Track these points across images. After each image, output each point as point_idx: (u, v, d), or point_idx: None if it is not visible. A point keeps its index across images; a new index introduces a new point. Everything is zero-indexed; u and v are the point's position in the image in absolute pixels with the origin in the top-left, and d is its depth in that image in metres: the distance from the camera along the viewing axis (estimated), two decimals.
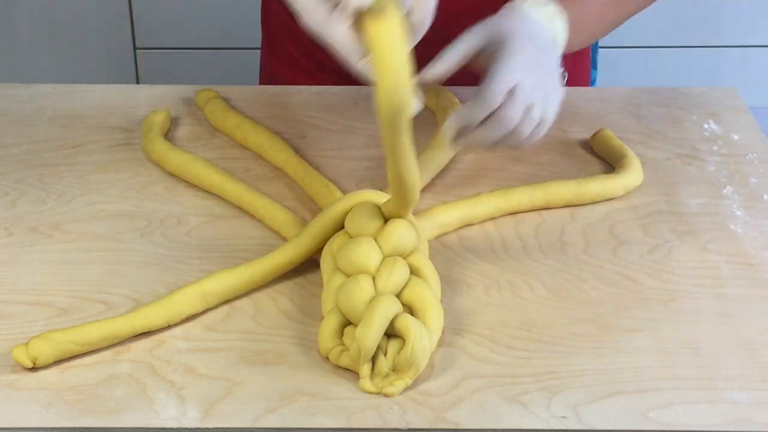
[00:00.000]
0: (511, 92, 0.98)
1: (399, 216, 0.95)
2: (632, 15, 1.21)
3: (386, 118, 0.84)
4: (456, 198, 1.08)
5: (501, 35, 1.02)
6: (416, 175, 0.90)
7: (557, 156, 1.18)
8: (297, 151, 1.16)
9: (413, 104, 0.85)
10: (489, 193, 1.07)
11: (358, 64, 0.89)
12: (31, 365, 0.87)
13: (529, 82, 0.99)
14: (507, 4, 1.09)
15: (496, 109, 0.98)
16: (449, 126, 0.99)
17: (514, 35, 1.01)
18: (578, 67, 1.45)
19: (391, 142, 0.86)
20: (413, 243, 0.94)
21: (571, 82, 1.40)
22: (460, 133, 1.00)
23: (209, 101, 1.25)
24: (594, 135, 1.19)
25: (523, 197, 1.07)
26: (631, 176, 1.11)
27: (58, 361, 0.88)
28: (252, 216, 1.07)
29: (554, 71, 1.05)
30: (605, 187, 1.09)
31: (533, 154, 1.18)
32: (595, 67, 1.53)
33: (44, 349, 0.87)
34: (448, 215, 1.04)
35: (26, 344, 0.87)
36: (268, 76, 1.48)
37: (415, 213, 1.02)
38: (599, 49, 1.57)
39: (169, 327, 0.92)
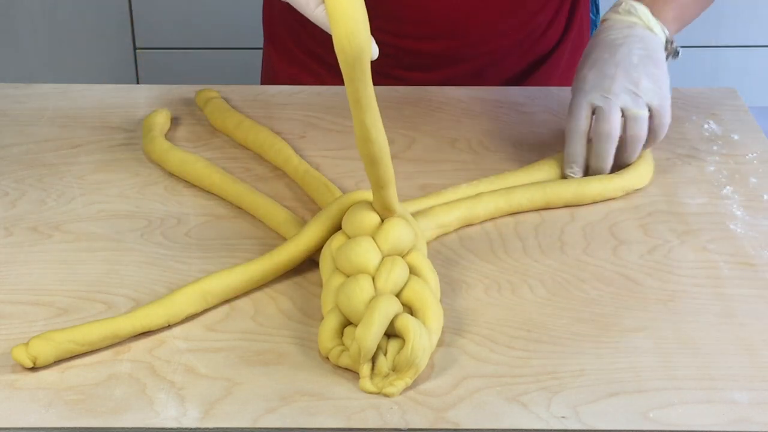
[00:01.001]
0: (622, 112, 1.07)
1: (385, 203, 0.94)
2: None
3: (346, 65, 0.84)
4: (442, 193, 1.08)
5: (606, 76, 1.08)
6: (382, 134, 0.89)
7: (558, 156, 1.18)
8: (297, 151, 1.16)
9: (371, 49, 0.85)
10: (489, 193, 1.07)
11: (315, 11, 0.89)
12: (31, 365, 0.87)
13: (609, 93, 1.07)
14: (600, 25, 1.14)
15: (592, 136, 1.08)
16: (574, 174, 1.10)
17: (582, 70, 1.09)
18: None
19: (353, 92, 0.86)
20: (411, 241, 0.94)
21: (569, 82, 1.41)
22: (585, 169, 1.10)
23: (209, 101, 1.25)
24: None
25: (524, 197, 1.07)
26: (632, 178, 1.10)
27: (58, 361, 0.88)
28: (252, 216, 1.07)
29: (643, 66, 1.08)
30: (605, 187, 1.09)
31: (533, 154, 1.18)
32: None
33: (44, 349, 0.87)
34: (448, 215, 1.04)
35: (26, 344, 0.87)
36: (270, 74, 1.48)
37: (415, 214, 1.03)
38: None
39: (169, 327, 0.92)
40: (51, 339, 0.87)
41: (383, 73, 1.35)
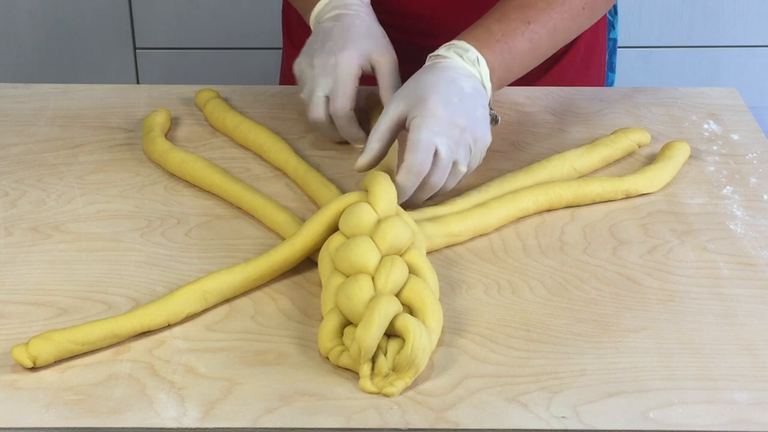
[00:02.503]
0: (435, 156, 1.02)
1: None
2: (565, 43, 1.21)
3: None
4: (453, 202, 1.07)
5: (419, 98, 1.05)
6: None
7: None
8: (297, 151, 1.16)
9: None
10: (497, 200, 1.06)
11: None
12: (31, 365, 0.87)
13: (450, 142, 1.03)
14: (428, 59, 1.12)
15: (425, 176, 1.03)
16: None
17: (431, 95, 1.05)
18: (591, 67, 1.45)
19: None
20: (409, 239, 0.94)
21: (583, 83, 1.40)
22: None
23: (209, 101, 1.25)
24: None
25: (529, 201, 1.07)
26: (634, 182, 1.10)
27: (58, 361, 0.88)
28: (252, 216, 1.07)
29: (480, 119, 1.06)
30: (604, 188, 1.09)
31: (533, 155, 1.18)
32: (612, 69, 1.53)
33: (44, 349, 0.87)
34: (460, 224, 1.03)
35: (26, 344, 0.87)
36: (289, 72, 1.48)
37: (426, 221, 1.02)
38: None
39: (169, 327, 0.92)
40: (51, 339, 0.87)
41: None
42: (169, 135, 1.21)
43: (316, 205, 1.08)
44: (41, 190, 1.11)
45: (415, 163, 1.01)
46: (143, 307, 0.91)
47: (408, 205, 1.04)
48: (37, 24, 2.39)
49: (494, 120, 1.11)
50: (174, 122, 1.24)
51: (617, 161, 1.17)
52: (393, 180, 1.01)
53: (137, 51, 2.43)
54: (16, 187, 1.12)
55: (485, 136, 1.07)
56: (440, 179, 1.04)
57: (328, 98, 1.15)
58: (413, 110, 1.04)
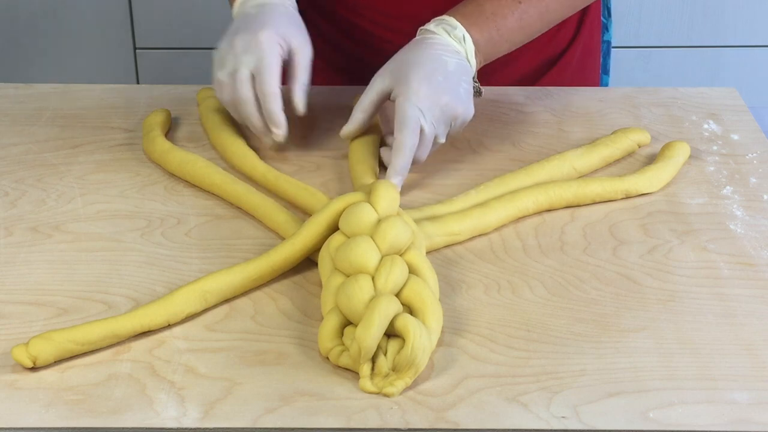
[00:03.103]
0: (420, 133, 1.07)
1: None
2: (557, 23, 1.23)
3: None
4: (453, 201, 1.08)
5: (404, 75, 1.09)
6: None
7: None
8: (297, 152, 1.16)
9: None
10: (497, 200, 1.06)
11: None
12: (31, 365, 0.87)
13: (432, 119, 1.08)
14: (418, 32, 1.15)
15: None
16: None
17: (416, 73, 1.09)
18: (587, 70, 1.45)
19: None
20: (409, 239, 0.94)
21: (579, 83, 1.41)
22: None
23: (203, 101, 1.25)
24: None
25: (529, 201, 1.07)
26: (634, 182, 1.10)
27: (58, 361, 0.88)
28: (252, 216, 1.07)
29: (462, 96, 1.10)
30: (604, 188, 1.09)
31: (533, 154, 1.18)
32: (606, 72, 1.53)
33: (44, 349, 0.87)
34: (459, 224, 1.03)
35: (26, 344, 0.87)
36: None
37: (425, 220, 1.02)
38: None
39: (169, 327, 0.92)
40: (51, 339, 0.87)
41: None
42: (169, 135, 1.21)
43: (300, 210, 1.07)
44: (41, 190, 1.12)
45: (406, 140, 1.06)
46: (143, 307, 0.91)
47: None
48: (37, 24, 2.39)
49: (477, 92, 1.17)
50: (174, 122, 1.24)
51: (617, 161, 1.17)
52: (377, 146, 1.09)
53: (137, 51, 2.43)
54: (16, 187, 1.12)
55: (466, 112, 1.11)
56: (423, 154, 1.09)
57: (252, 77, 1.13)
58: (398, 86, 1.09)
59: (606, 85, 1.54)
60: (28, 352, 0.86)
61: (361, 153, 1.13)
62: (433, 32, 1.13)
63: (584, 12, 1.42)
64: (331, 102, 1.28)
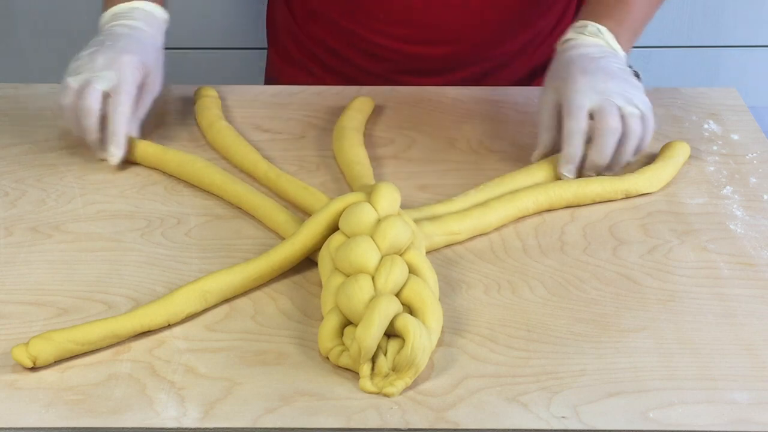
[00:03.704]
0: (592, 113, 1.09)
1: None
2: None
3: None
4: (452, 201, 1.08)
5: (562, 79, 1.12)
6: None
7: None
8: (297, 152, 1.16)
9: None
10: (497, 200, 1.06)
11: None
12: (31, 365, 0.87)
13: (599, 98, 1.09)
14: (558, 44, 1.19)
15: (592, 134, 1.09)
16: (565, 175, 1.11)
17: (571, 71, 1.12)
18: None
19: None
20: (409, 238, 0.94)
21: None
22: (579, 171, 1.11)
23: (199, 99, 1.25)
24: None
25: (529, 201, 1.07)
26: (634, 182, 1.10)
27: (58, 361, 0.88)
28: (252, 216, 1.07)
29: (618, 73, 1.13)
30: (604, 188, 1.09)
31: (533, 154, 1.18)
32: None
33: (44, 349, 0.87)
34: (459, 224, 1.03)
35: (26, 344, 0.87)
36: (272, 76, 1.49)
37: (425, 220, 1.02)
38: None
39: (169, 327, 0.92)
40: (51, 339, 0.87)
41: (389, 78, 1.36)
42: (168, 135, 1.21)
43: (300, 210, 1.07)
44: (41, 190, 1.11)
45: (572, 125, 1.08)
46: (143, 307, 0.91)
47: (615, 164, 1.11)
48: (37, 24, 2.39)
49: (636, 75, 1.17)
50: (174, 122, 1.24)
51: None
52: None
53: None
54: (16, 187, 1.12)
55: (636, 85, 1.13)
56: (612, 125, 1.08)
57: (106, 94, 1.13)
58: (561, 90, 1.11)
59: None
60: (28, 352, 0.86)
61: (354, 154, 1.13)
62: (568, 38, 1.17)
63: (577, 15, 1.42)
64: (331, 102, 1.28)
